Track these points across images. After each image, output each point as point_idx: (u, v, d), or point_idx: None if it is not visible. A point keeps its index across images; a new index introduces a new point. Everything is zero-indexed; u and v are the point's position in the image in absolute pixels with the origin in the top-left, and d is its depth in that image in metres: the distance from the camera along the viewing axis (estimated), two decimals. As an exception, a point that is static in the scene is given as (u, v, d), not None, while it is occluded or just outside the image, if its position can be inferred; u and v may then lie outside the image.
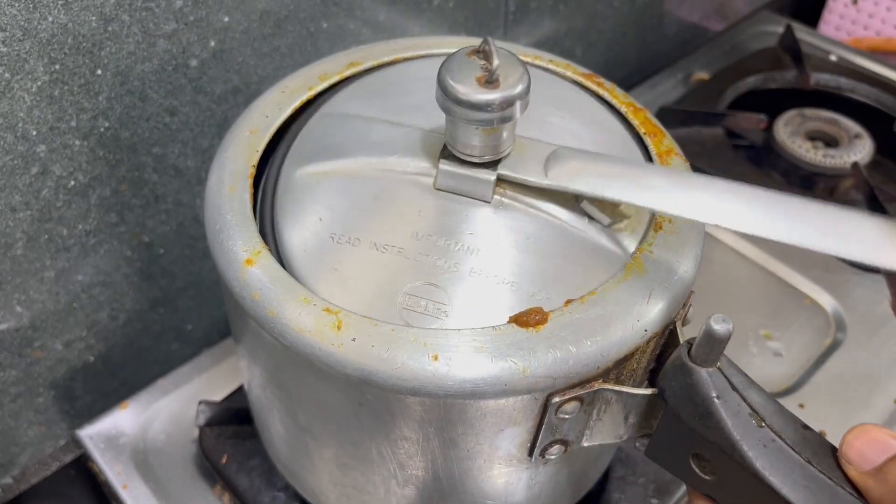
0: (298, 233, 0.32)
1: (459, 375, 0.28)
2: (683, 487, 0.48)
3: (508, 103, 0.29)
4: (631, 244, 0.32)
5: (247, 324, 0.32)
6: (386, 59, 0.40)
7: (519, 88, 0.29)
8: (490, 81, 0.29)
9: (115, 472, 0.49)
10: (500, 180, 0.32)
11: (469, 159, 0.32)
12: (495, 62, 0.29)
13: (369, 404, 0.30)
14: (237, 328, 0.36)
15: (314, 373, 0.30)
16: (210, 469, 0.49)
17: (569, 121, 0.36)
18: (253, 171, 0.34)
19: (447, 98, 0.29)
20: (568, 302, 0.30)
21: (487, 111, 0.29)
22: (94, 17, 0.40)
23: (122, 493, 0.48)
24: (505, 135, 0.31)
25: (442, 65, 0.30)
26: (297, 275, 0.31)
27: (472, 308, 0.30)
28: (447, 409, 0.30)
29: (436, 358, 0.28)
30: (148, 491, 0.48)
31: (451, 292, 0.30)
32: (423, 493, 0.35)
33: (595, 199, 0.31)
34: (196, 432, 0.50)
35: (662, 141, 0.38)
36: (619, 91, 0.40)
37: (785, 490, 0.26)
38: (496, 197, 0.32)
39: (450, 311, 0.30)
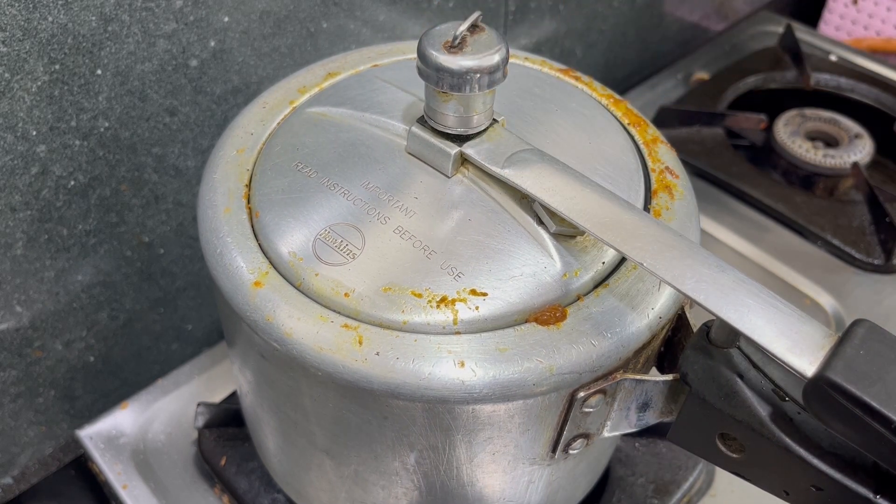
0: (272, 159, 0.34)
1: (487, 379, 0.28)
2: (683, 487, 0.48)
3: (463, 71, 0.29)
4: (571, 259, 0.31)
5: (256, 348, 0.32)
6: (363, 66, 0.40)
7: (479, 61, 0.29)
8: (453, 46, 0.29)
9: (115, 473, 0.49)
10: (466, 161, 0.32)
11: (440, 129, 0.32)
12: (461, 28, 0.29)
13: (394, 416, 0.30)
14: (242, 354, 0.35)
15: (335, 390, 0.30)
16: (209, 471, 0.49)
17: (557, 115, 0.36)
18: (246, 190, 0.34)
19: (417, 57, 0.30)
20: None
21: (440, 73, 0.29)
22: (94, 17, 0.40)
23: (122, 493, 0.48)
24: (472, 110, 0.31)
25: (429, 28, 0.30)
26: (254, 184, 0.33)
27: (380, 260, 0.30)
28: (475, 414, 0.30)
29: (462, 364, 0.28)
30: (148, 491, 0.48)
31: (369, 240, 0.31)
32: (448, 499, 0.35)
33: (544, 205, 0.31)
34: (196, 433, 0.50)
35: (647, 130, 0.38)
36: (597, 84, 0.40)
37: (815, 461, 0.27)
38: (459, 175, 0.33)
39: (359, 255, 0.30)
